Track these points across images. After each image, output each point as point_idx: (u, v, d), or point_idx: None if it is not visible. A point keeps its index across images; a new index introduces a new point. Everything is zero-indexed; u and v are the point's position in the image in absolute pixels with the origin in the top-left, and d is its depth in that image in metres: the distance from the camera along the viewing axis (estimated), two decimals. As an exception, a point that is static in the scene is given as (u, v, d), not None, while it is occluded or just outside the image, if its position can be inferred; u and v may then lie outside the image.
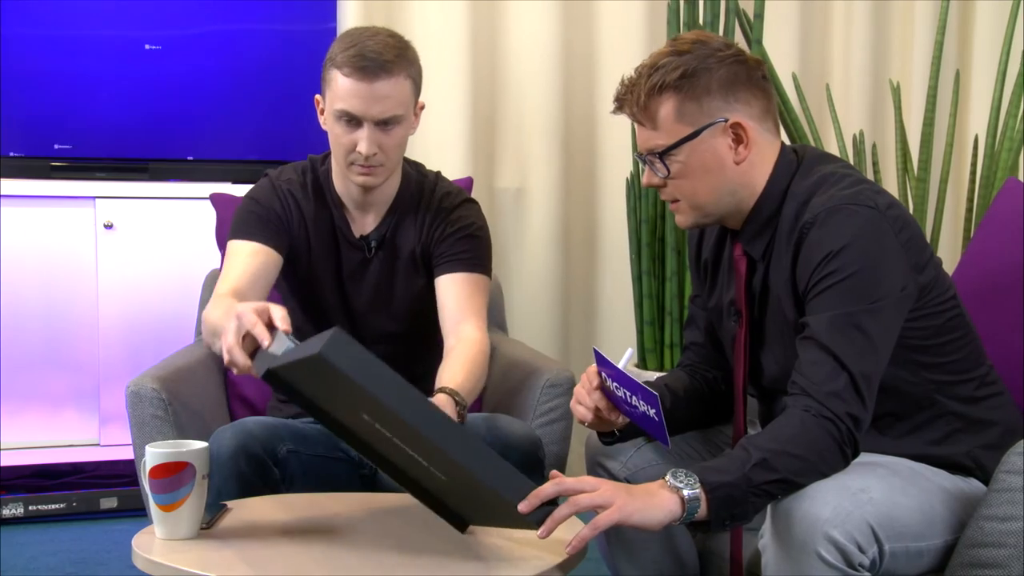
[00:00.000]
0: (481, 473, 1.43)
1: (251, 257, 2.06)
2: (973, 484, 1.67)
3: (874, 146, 3.17)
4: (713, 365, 1.93)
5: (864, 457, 1.63)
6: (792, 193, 1.69)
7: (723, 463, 1.51)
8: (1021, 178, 2.94)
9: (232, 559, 1.51)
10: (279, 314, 1.60)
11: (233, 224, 2.12)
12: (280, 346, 1.55)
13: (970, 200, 3.03)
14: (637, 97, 1.69)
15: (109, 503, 3.19)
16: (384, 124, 2.00)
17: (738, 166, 1.70)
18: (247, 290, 2.00)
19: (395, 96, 1.99)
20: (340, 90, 1.98)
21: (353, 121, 1.99)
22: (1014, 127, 2.88)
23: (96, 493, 3.21)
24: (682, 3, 2.83)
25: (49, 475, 3.28)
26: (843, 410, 1.52)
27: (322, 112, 2.07)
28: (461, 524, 1.62)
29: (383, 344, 2.11)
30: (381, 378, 1.39)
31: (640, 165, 1.78)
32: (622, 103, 1.73)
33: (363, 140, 1.99)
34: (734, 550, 1.78)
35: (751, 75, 1.71)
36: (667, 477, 1.49)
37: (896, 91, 3.14)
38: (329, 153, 2.16)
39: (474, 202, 2.23)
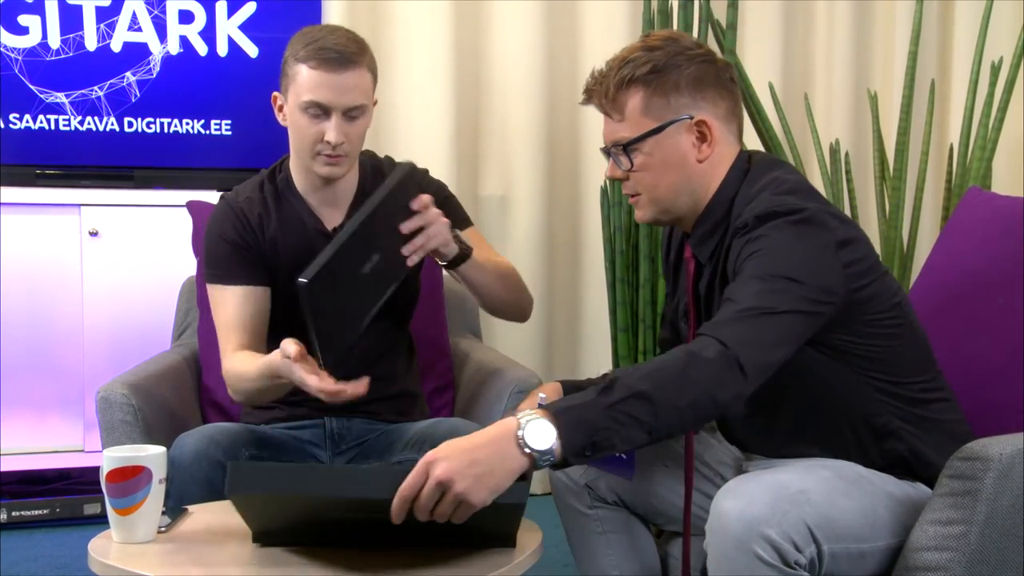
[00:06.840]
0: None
1: (243, 305, 2.08)
2: (920, 489, 1.67)
3: (847, 154, 3.19)
4: None
5: (811, 461, 1.65)
6: (738, 200, 1.71)
7: (578, 394, 1.48)
8: (994, 187, 2.96)
9: (185, 562, 1.53)
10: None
11: (209, 265, 2.12)
12: None
13: (946, 208, 3.04)
14: (606, 89, 1.72)
15: (92, 509, 3.20)
16: (350, 114, 2.04)
17: (700, 164, 1.72)
18: (251, 340, 2.06)
19: (360, 86, 2.04)
20: (308, 82, 2.01)
21: (321, 113, 2.03)
22: (985, 136, 2.90)
23: (79, 499, 3.22)
24: (655, 13, 2.85)
25: (35, 481, 3.30)
26: (724, 332, 1.48)
27: (280, 109, 2.11)
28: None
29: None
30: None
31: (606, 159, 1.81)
32: (591, 94, 1.76)
33: (331, 129, 2.02)
34: (685, 553, 1.80)
35: (720, 75, 1.74)
36: (519, 418, 1.40)
37: (873, 100, 3.16)
38: (282, 160, 2.19)
39: (425, 170, 2.21)
